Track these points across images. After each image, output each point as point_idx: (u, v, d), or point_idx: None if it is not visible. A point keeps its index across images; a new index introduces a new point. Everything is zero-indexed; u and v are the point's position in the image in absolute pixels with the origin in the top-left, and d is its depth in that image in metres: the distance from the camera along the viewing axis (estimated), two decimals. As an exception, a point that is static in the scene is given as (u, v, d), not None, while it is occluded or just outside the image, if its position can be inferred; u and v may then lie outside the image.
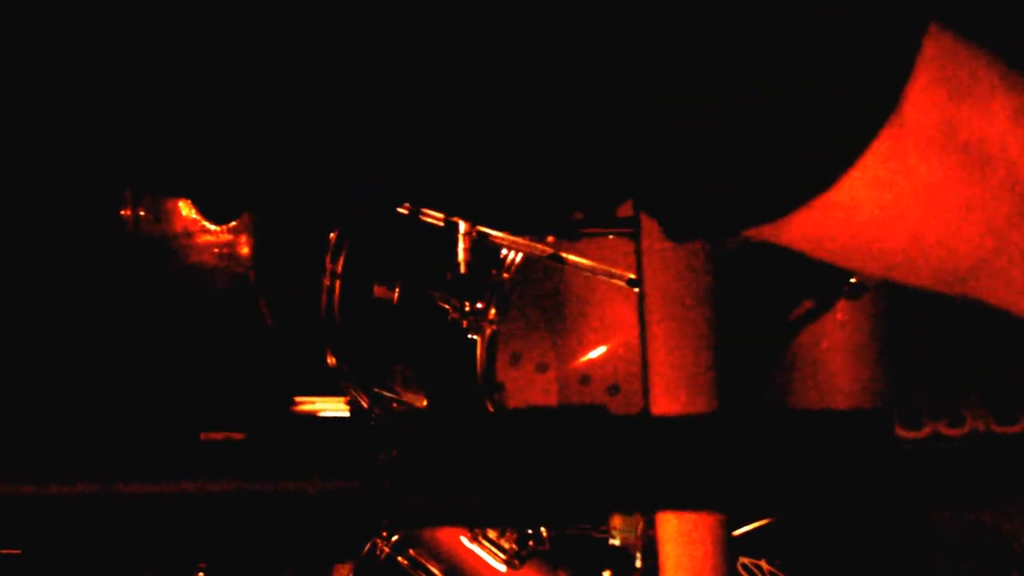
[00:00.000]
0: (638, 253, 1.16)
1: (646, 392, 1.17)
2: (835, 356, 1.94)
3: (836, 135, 0.62)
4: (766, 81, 0.61)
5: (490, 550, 2.15)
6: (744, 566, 1.90)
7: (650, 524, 1.92)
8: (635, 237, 1.16)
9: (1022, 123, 0.63)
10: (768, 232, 0.65)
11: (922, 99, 0.62)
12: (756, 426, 0.70)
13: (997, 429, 1.60)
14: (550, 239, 2.06)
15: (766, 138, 0.62)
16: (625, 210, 1.90)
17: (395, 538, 2.28)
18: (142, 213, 2.90)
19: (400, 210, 2.25)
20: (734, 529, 1.83)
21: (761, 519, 1.88)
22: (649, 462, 0.68)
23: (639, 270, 1.16)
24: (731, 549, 1.21)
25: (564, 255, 2.02)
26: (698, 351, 1.17)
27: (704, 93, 0.62)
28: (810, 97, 0.61)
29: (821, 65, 0.61)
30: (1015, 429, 1.71)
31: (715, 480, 0.69)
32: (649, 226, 1.17)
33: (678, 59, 0.61)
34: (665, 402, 1.18)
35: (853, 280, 1.90)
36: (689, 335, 1.16)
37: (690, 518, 1.19)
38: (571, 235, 2.04)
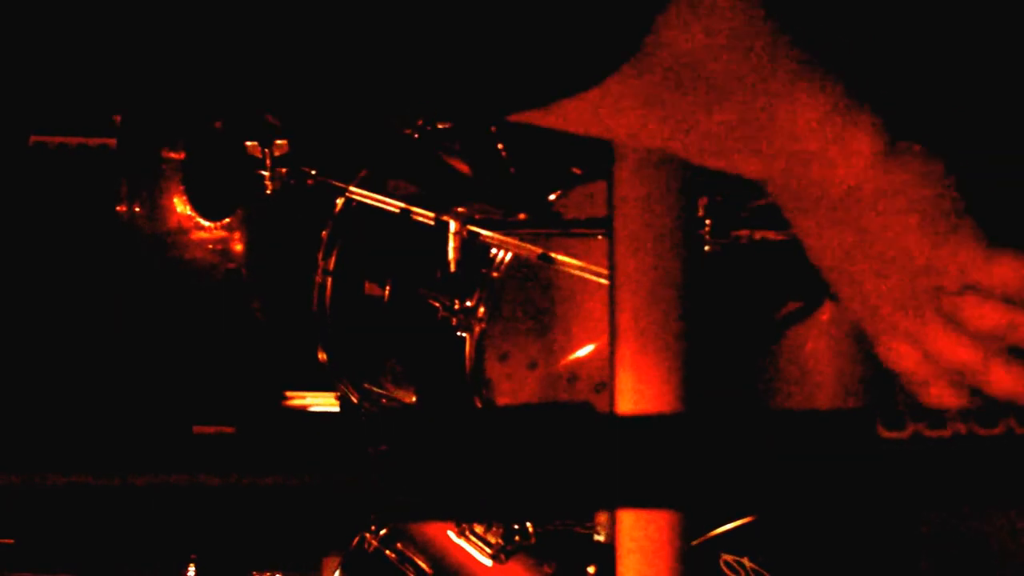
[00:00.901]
0: (611, 249, 1.16)
1: (612, 390, 1.18)
2: (819, 357, 1.95)
3: (595, 54, 0.77)
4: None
5: (477, 544, 2.15)
6: (727, 563, 1.91)
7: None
8: (608, 233, 1.17)
9: (736, 56, 0.81)
10: (530, 115, 0.80)
11: (664, 25, 0.78)
12: (740, 426, 0.71)
13: (979, 431, 1.61)
14: (530, 218, 2.07)
15: (542, 48, 0.76)
16: (603, 210, 1.90)
17: (383, 532, 2.29)
18: (137, 209, 2.91)
19: (391, 209, 2.26)
20: (703, 527, 1.84)
21: (744, 516, 1.88)
22: (633, 460, 0.69)
23: (611, 267, 1.16)
24: (689, 546, 1.22)
25: (552, 255, 2.03)
26: (668, 349, 1.17)
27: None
28: (581, 20, 0.75)
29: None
30: (996, 431, 1.72)
31: (698, 478, 0.70)
32: (624, 222, 1.17)
33: None
34: (630, 400, 1.18)
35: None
36: (660, 331, 1.17)
37: (647, 517, 1.19)
38: (546, 216, 2.05)
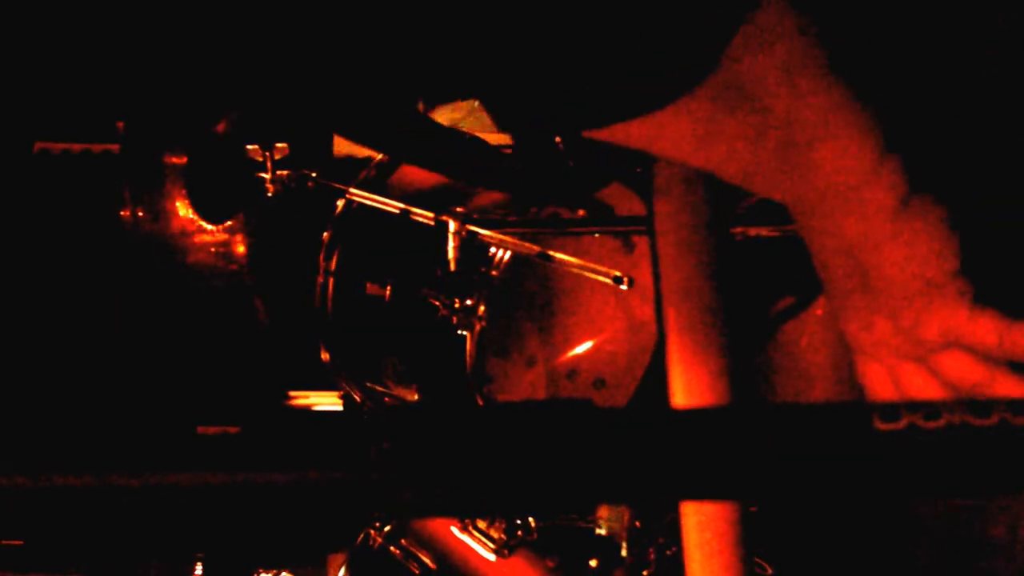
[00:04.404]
0: (653, 247, 1.18)
1: (665, 387, 1.20)
2: (815, 351, 1.96)
3: (668, 76, 0.82)
4: (623, 32, 0.80)
5: (480, 539, 2.16)
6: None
7: (636, 515, 1.94)
8: (649, 233, 1.19)
9: (792, 93, 0.86)
10: (611, 131, 0.87)
11: (734, 59, 0.82)
12: (737, 419, 0.71)
13: (973, 422, 1.62)
14: (542, 214, 2.07)
15: (620, 73, 0.82)
16: (625, 207, 1.90)
17: (387, 528, 2.29)
18: (140, 214, 2.91)
19: (391, 210, 2.27)
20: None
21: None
22: (632, 454, 0.69)
23: (655, 264, 1.18)
24: (750, 534, 1.24)
25: (551, 253, 2.04)
26: (715, 343, 1.19)
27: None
28: (662, 47, 0.81)
29: (671, 30, 0.80)
30: (990, 422, 1.73)
31: (697, 472, 0.71)
32: (664, 217, 1.19)
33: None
34: (684, 394, 1.20)
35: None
36: (706, 327, 1.19)
37: (710, 509, 1.21)
38: (597, 209, 2.05)
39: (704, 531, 1.20)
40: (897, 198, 0.91)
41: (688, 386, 1.18)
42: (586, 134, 0.88)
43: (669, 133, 0.87)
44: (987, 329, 0.93)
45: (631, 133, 0.86)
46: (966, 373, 0.94)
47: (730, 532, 1.20)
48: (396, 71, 0.85)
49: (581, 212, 2.06)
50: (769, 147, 0.88)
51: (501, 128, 0.94)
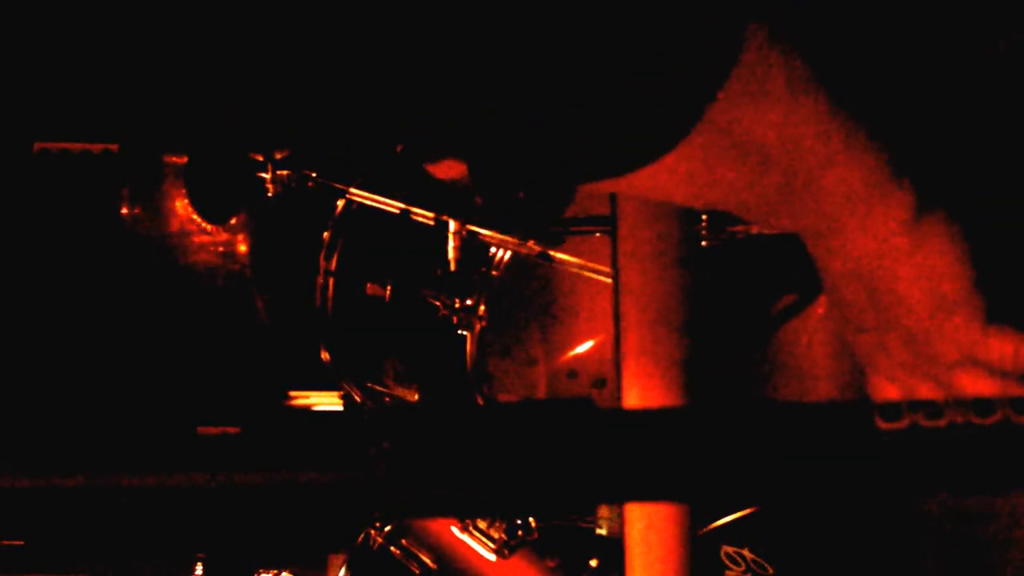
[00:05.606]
0: (614, 249, 1.18)
1: (619, 386, 1.19)
2: (816, 350, 1.95)
3: (657, 130, 0.82)
4: (605, 84, 0.79)
5: (480, 540, 2.16)
6: (727, 555, 1.92)
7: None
8: (612, 234, 1.19)
9: (788, 128, 0.85)
10: (602, 185, 0.87)
11: (724, 104, 0.81)
12: (739, 418, 0.71)
13: (975, 421, 1.61)
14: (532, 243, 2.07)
15: (610, 128, 0.81)
16: (602, 208, 1.91)
17: (388, 528, 2.29)
18: (140, 214, 2.91)
19: (391, 209, 2.27)
20: (704, 519, 1.85)
21: (745, 508, 1.89)
22: (633, 453, 0.70)
23: (614, 266, 1.18)
24: (695, 538, 1.23)
25: (551, 253, 2.04)
26: (671, 346, 1.19)
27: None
28: (648, 95, 0.80)
29: (657, 77, 0.79)
30: (992, 421, 1.72)
31: (698, 471, 0.71)
32: (626, 223, 1.18)
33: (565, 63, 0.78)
34: (636, 395, 1.19)
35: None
36: (663, 330, 1.18)
37: (654, 510, 1.21)
38: (551, 239, 2.06)
39: (647, 523, 1.20)
40: (908, 217, 0.90)
41: (641, 388, 1.18)
42: (587, 187, 0.88)
43: (666, 180, 0.87)
44: (1002, 345, 0.92)
45: (630, 183, 0.86)
46: (982, 389, 0.93)
47: (673, 524, 1.20)
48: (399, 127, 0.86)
49: (531, 243, 2.07)
50: (770, 182, 0.87)
51: (478, 188, 0.94)
